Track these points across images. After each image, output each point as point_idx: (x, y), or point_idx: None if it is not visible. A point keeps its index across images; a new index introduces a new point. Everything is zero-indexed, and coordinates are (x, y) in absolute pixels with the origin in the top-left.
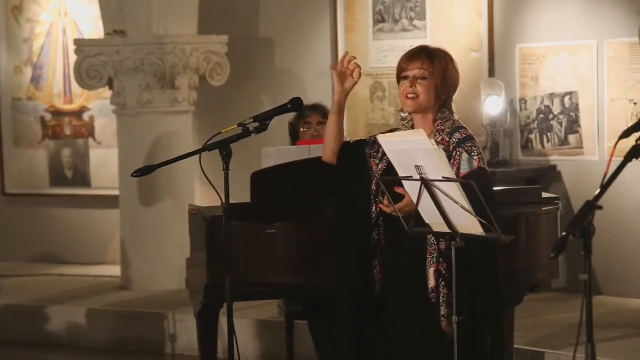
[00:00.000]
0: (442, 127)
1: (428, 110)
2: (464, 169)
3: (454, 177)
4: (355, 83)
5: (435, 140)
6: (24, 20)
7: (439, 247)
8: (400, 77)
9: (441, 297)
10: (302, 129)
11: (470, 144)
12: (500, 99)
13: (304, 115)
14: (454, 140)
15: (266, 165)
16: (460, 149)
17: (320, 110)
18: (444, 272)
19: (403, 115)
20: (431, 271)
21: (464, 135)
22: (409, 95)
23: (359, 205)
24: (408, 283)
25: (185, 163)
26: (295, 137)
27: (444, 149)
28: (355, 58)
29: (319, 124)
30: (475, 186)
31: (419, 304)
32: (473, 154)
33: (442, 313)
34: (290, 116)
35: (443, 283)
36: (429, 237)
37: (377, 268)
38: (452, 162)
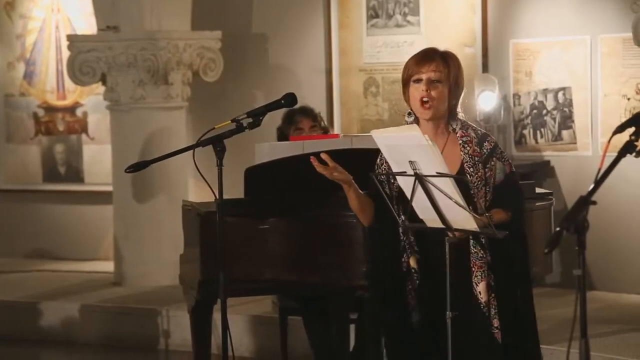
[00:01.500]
0: (468, 138)
1: (441, 118)
2: (499, 177)
3: (448, 172)
4: (338, 170)
5: (465, 153)
6: (17, 16)
7: (487, 259)
8: (410, 81)
9: (492, 309)
10: (293, 134)
11: (500, 151)
12: (493, 94)
13: (294, 121)
14: (485, 150)
15: (259, 161)
16: (495, 159)
17: (310, 115)
18: (492, 284)
19: (409, 120)
20: (482, 285)
21: (492, 144)
22: (425, 100)
23: (391, 230)
24: (453, 299)
25: (178, 159)
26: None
27: (477, 161)
28: (325, 164)
29: (311, 127)
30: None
31: (466, 319)
32: (504, 160)
33: (495, 325)
34: (281, 115)
35: (493, 295)
36: (474, 250)
37: (411, 293)
38: (487, 173)
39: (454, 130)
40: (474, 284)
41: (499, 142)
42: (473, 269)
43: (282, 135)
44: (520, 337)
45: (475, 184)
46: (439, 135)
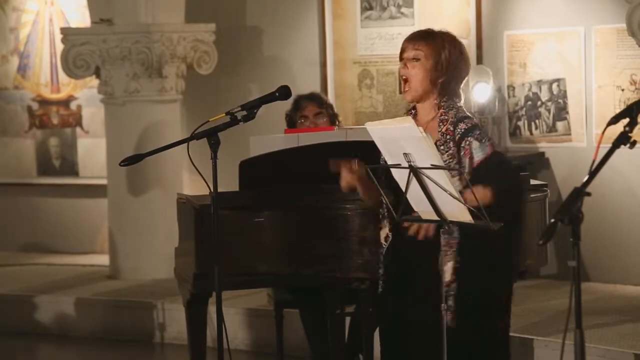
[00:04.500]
0: (446, 117)
1: (426, 97)
2: (478, 157)
3: (443, 164)
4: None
5: (439, 131)
6: (10, 9)
7: (457, 240)
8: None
9: (451, 291)
10: (299, 121)
11: (478, 132)
12: (488, 86)
13: (299, 107)
14: (459, 130)
15: (254, 154)
16: (469, 138)
17: (315, 100)
18: (458, 266)
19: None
20: (449, 265)
21: (469, 125)
22: (403, 78)
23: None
24: (415, 274)
25: (173, 152)
26: (292, 128)
27: (449, 139)
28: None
29: (316, 114)
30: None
31: (424, 295)
32: (484, 140)
33: (449, 303)
34: (283, 105)
35: (454, 277)
36: (446, 228)
37: (380, 265)
38: (462, 152)
39: (439, 109)
40: (441, 261)
41: (493, 133)
42: (444, 247)
43: (290, 121)
44: (480, 331)
45: (447, 162)
46: (427, 115)
